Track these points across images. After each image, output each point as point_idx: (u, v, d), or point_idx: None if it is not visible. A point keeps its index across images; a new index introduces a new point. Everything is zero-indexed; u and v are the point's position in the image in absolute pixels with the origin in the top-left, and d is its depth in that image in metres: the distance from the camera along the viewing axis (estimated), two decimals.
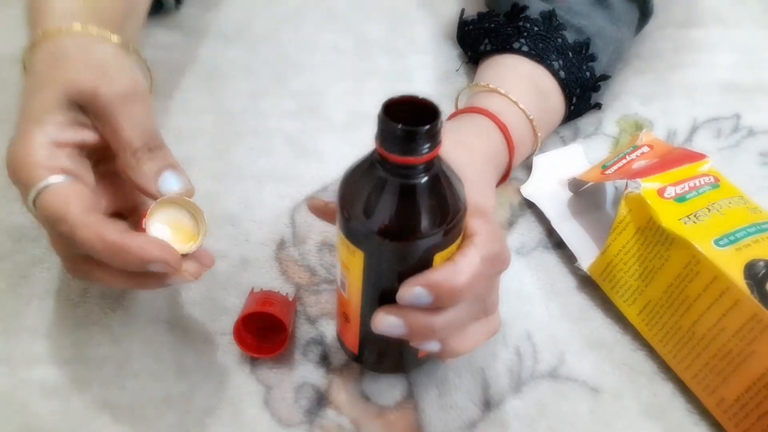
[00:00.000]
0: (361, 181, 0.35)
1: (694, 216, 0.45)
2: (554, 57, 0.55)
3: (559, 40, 0.55)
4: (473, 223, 0.37)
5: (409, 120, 0.32)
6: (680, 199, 0.46)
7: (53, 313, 0.48)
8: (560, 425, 0.44)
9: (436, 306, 0.36)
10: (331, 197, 0.40)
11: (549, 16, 0.56)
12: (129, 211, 0.44)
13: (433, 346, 0.38)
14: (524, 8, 0.57)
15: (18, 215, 0.53)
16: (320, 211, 0.41)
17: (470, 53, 0.64)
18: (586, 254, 0.50)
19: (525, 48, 0.55)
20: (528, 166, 0.57)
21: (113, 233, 0.37)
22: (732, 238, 0.43)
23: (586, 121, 0.61)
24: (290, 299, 0.47)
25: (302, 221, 0.54)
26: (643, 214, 0.46)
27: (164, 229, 0.40)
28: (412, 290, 0.35)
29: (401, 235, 0.34)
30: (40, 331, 0.47)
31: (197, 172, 0.56)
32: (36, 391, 0.44)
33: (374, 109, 0.33)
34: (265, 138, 0.60)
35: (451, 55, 0.67)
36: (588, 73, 0.56)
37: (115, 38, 0.44)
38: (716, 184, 0.47)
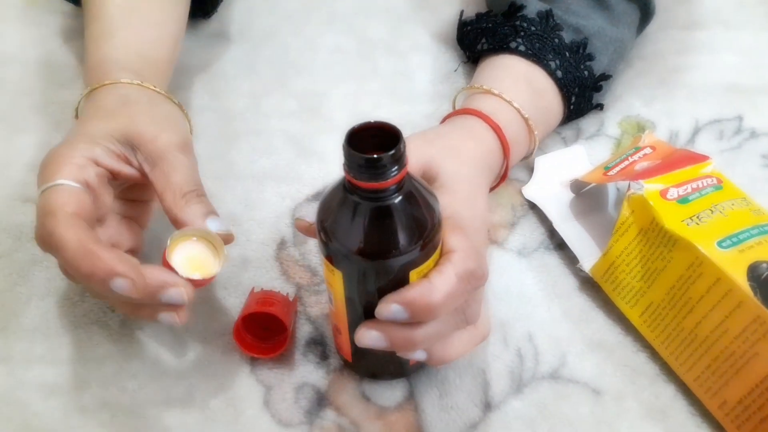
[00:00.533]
0: (335, 206, 0.36)
1: (697, 218, 0.44)
2: (551, 57, 0.55)
3: (556, 40, 0.55)
4: (451, 239, 0.38)
5: (375, 144, 0.33)
6: (683, 200, 0.46)
7: (52, 313, 0.48)
8: (561, 427, 0.43)
9: (413, 321, 0.37)
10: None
11: (546, 16, 0.56)
12: (130, 251, 0.45)
13: (419, 356, 0.39)
14: (521, 7, 0.57)
15: (18, 214, 0.53)
16: (305, 230, 0.43)
17: (468, 53, 0.64)
18: (588, 255, 0.50)
19: (522, 48, 0.55)
20: (530, 167, 0.57)
21: (91, 241, 0.37)
22: (735, 239, 0.43)
23: (588, 122, 0.61)
24: (291, 299, 0.46)
25: None
26: (646, 216, 0.45)
27: (185, 261, 0.41)
28: (389, 307, 0.36)
29: (375, 255, 0.36)
30: (39, 330, 0.47)
31: (199, 172, 0.56)
32: (35, 390, 0.44)
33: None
34: (267, 138, 0.60)
35: (451, 56, 0.67)
36: (586, 73, 0.56)
37: (175, 100, 0.50)
38: (719, 185, 0.47)
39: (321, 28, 0.70)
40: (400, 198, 0.35)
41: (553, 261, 0.52)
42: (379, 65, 0.66)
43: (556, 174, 0.56)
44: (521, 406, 0.44)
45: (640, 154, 0.52)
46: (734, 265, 0.41)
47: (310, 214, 0.42)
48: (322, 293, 0.49)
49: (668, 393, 0.45)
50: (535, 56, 0.54)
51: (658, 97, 0.63)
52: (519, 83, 0.53)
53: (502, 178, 0.51)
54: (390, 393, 0.45)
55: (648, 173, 0.48)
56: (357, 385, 0.45)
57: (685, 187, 0.46)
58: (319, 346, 0.47)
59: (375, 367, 0.45)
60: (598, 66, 0.57)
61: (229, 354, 0.46)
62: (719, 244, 0.42)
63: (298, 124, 0.61)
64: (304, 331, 0.47)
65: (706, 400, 0.43)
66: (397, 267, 0.36)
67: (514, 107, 0.51)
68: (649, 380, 0.45)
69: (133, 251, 0.45)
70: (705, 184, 0.47)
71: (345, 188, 0.35)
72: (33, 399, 0.44)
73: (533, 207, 0.55)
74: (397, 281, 0.36)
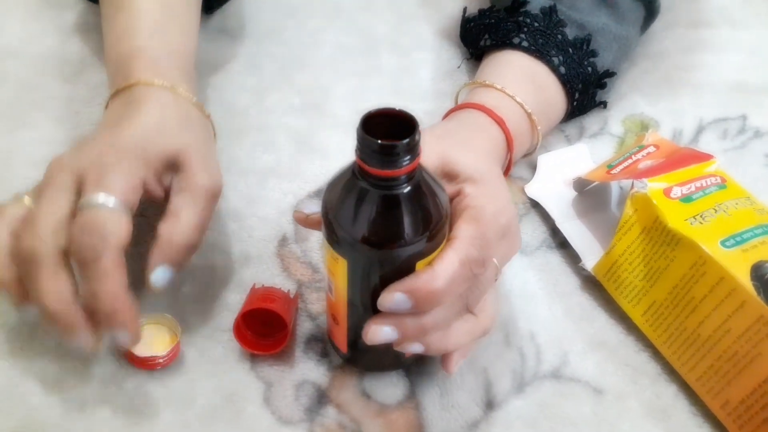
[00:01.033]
0: (343, 192, 0.36)
1: (701, 216, 0.44)
2: (554, 53, 0.54)
3: (559, 36, 0.55)
4: (460, 227, 0.38)
5: (388, 132, 0.33)
6: (686, 199, 0.45)
7: None
8: (563, 426, 0.43)
9: (416, 311, 0.37)
10: (318, 205, 0.41)
11: (549, 12, 0.56)
12: None
13: (416, 347, 0.39)
14: (524, 3, 0.57)
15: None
16: (303, 222, 0.43)
17: (472, 50, 0.64)
18: (591, 254, 0.50)
19: (525, 43, 0.55)
20: (532, 165, 0.57)
21: (125, 285, 0.39)
22: (739, 239, 0.42)
23: (592, 121, 0.61)
24: (291, 296, 0.46)
25: None
26: (649, 214, 0.45)
27: (145, 344, 0.45)
28: (392, 296, 0.36)
29: (382, 244, 0.35)
30: (39, 325, 0.47)
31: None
32: (36, 385, 0.44)
33: (378, 106, 0.33)
34: (269, 134, 0.60)
35: (454, 53, 0.66)
36: (590, 69, 0.56)
37: (206, 111, 0.50)
38: (723, 184, 0.47)
39: (324, 24, 0.70)
40: (409, 188, 0.34)
41: (555, 259, 0.52)
42: (382, 62, 0.66)
43: (558, 172, 0.56)
44: (523, 405, 0.44)
45: (644, 152, 0.52)
46: (738, 265, 0.41)
47: (314, 205, 0.42)
48: (323, 290, 0.49)
49: (670, 393, 0.45)
50: (538, 52, 0.54)
51: (662, 95, 0.63)
52: (522, 78, 0.53)
53: (505, 172, 0.51)
54: (391, 391, 0.44)
55: (651, 172, 0.48)
56: (358, 383, 0.45)
57: (688, 185, 0.46)
58: (320, 343, 0.46)
59: (371, 359, 0.44)
60: (602, 63, 0.56)
61: (229, 351, 0.46)
62: (723, 243, 0.42)
63: (301, 120, 0.61)
64: (305, 328, 0.47)
65: (708, 400, 0.43)
66: (405, 257, 0.36)
67: (517, 102, 0.51)
68: (650, 380, 0.45)
69: None
70: (709, 183, 0.47)
71: (354, 174, 0.35)
72: (33, 394, 0.44)
73: (536, 205, 0.55)
74: (403, 271, 0.36)
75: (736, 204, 0.45)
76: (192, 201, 0.43)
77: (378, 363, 0.45)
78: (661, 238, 0.44)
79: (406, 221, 0.35)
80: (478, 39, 0.61)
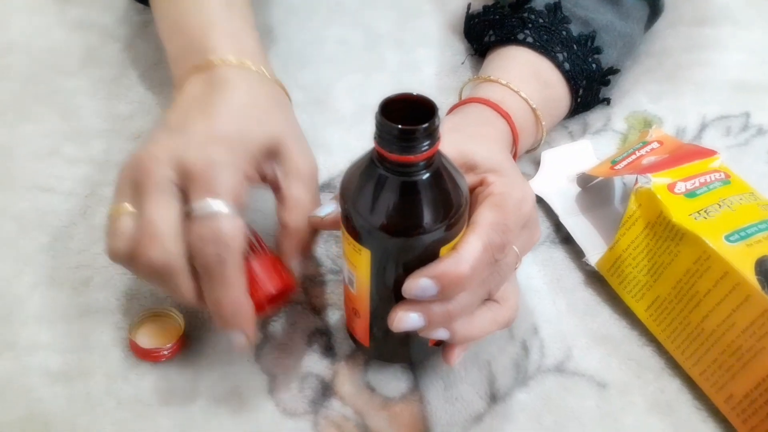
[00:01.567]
0: (362, 180, 0.35)
1: (705, 212, 0.44)
2: (558, 49, 0.54)
3: (564, 32, 0.55)
4: (482, 213, 0.38)
5: (406, 117, 0.32)
6: (690, 194, 0.46)
7: (58, 301, 0.48)
8: (566, 420, 0.43)
9: (443, 296, 0.36)
10: (330, 205, 0.42)
11: (554, 8, 0.56)
12: None
13: (442, 334, 0.38)
14: None
15: (24, 201, 0.53)
16: (320, 225, 0.42)
17: (476, 46, 0.64)
18: (594, 249, 0.50)
19: (529, 39, 0.55)
20: (536, 161, 0.57)
21: (244, 289, 0.39)
22: (743, 234, 0.42)
23: (595, 117, 0.61)
24: (260, 245, 0.43)
25: None
26: (653, 209, 0.45)
27: (149, 337, 0.46)
28: (418, 282, 0.36)
29: (405, 231, 0.35)
30: (44, 318, 0.47)
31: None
32: (40, 377, 0.44)
33: (398, 91, 0.33)
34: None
35: (458, 49, 0.66)
36: (594, 65, 0.56)
37: (285, 89, 0.49)
38: (727, 180, 0.47)
39: (327, 21, 0.70)
40: (430, 173, 0.34)
41: (559, 255, 0.52)
42: (386, 58, 0.66)
43: (562, 168, 0.56)
44: (526, 398, 0.44)
45: (648, 148, 0.52)
46: (742, 260, 0.41)
47: (327, 205, 0.42)
48: (327, 284, 0.49)
49: (674, 387, 0.45)
50: (543, 48, 0.54)
51: (665, 93, 0.63)
52: (527, 74, 0.53)
53: None
54: (395, 384, 0.44)
55: (655, 167, 0.48)
56: (362, 376, 0.45)
57: (692, 181, 0.46)
58: (324, 336, 0.46)
59: (392, 350, 0.44)
60: (606, 59, 0.57)
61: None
62: (727, 238, 0.42)
63: (304, 116, 0.61)
64: (309, 321, 0.47)
65: (711, 395, 0.43)
66: (428, 243, 0.35)
67: (522, 97, 0.51)
68: (654, 374, 0.45)
69: None
70: (713, 179, 0.47)
71: (373, 162, 0.34)
72: (37, 386, 0.44)
73: (539, 201, 0.55)
74: (427, 258, 0.36)
75: (740, 199, 0.45)
76: (305, 187, 0.43)
77: (399, 354, 0.44)
78: (665, 233, 0.45)
79: (430, 207, 0.34)
80: (482, 35, 0.61)
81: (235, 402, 0.44)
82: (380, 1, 0.72)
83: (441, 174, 0.35)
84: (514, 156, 0.51)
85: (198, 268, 0.38)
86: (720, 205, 0.45)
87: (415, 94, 0.34)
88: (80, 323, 0.47)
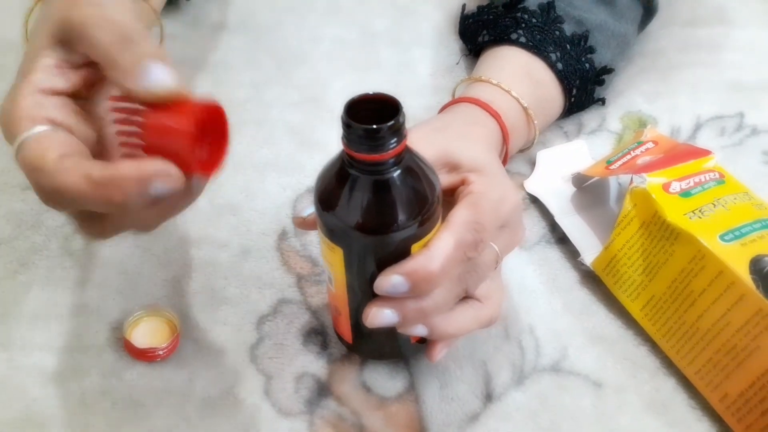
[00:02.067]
0: (333, 180, 0.36)
1: (699, 211, 0.44)
2: (551, 48, 0.55)
3: (557, 32, 0.55)
4: (457, 211, 0.38)
5: (372, 117, 0.33)
6: (685, 194, 0.46)
7: (53, 300, 0.48)
8: (562, 419, 0.43)
9: (414, 293, 0.37)
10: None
11: (547, 8, 0.56)
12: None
13: (420, 330, 0.39)
14: None
15: (18, 201, 0.53)
16: (302, 225, 0.42)
17: (470, 46, 0.64)
18: (590, 249, 0.50)
19: (522, 39, 0.55)
20: (531, 161, 0.57)
21: (99, 169, 0.32)
22: (737, 233, 0.43)
23: (590, 117, 0.61)
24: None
25: None
26: (648, 209, 0.45)
27: (144, 336, 0.45)
28: (389, 279, 0.36)
29: (376, 229, 0.35)
30: (39, 318, 0.47)
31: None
32: (35, 377, 0.44)
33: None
34: (268, 128, 0.60)
35: (453, 49, 0.67)
36: (587, 65, 0.56)
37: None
38: (721, 180, 0.47)
39: (323, 19, 0.70)
40: (399, 171, 0.34)
41: (554, 254, 0.52)
42: (381, 57, 0.66)
43: (557, 168, 0.56)
44: (522, 397, 0.44)
45: (643, 148, 0.52)
46: (736, 259, 0.41)
47: (311, 206, 0.42)
48: (323, 283, 0.49)
49: (669, 386, 0.45)
50: (536, 48, 0.54)
51: (659, 93, 0.64)
52: (518, 73, 0.53)
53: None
54: (391, 383, 0.44)
55: (650, 167, 0.48)
56: (358, 375, 0.45)
57: (687, 181, 0.47)
58: (319, 335, 0.46)
59: (376, 347, 0.44)
60: (600, 59, 0.57)
61: (229, 343, 0.46)
62: (721, 237, 0.42)
63: (299, 114, 0.61)
64: (305, 321, 0.47)
65: (706, 394, 0.43)
66: (399, 241, 0.36)
67: (513, 96, 0.51)
68: (649, 373, 0.45)
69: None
70: (707, 179, 0.47)
71: (343, 162, 0.35)
72: (32, 386, 0.44)
73: (535, 201, 0.55)
74: (398, 255, 0.36)
75: (735, 199, 0.45)
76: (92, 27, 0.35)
77: (383, 351, 0.45)
78: (660, 232, 0.45)
79: (399, 205, 0.35)
80: (476, 35, 0.61)
81: (230, 402, 0.43)
82: (376, 1, 0.72)
83: (411, 171, 0.35)
84: (506, 155, 0.51)
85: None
86: (714, 205, 0.45)
87: (378, 93, 0.34)
88: (75, 323, 0.47)
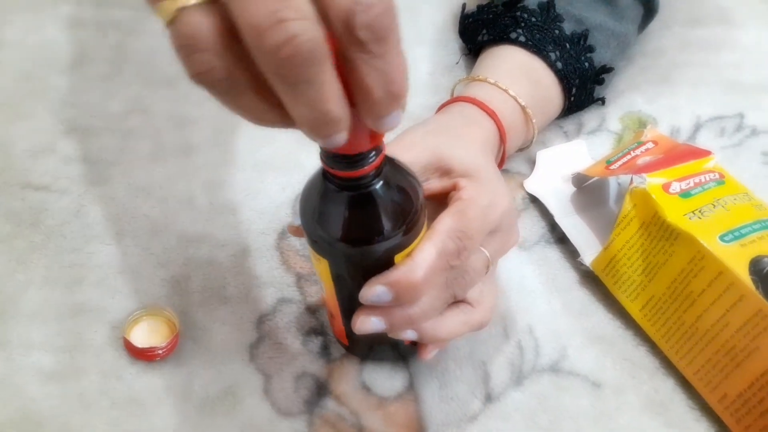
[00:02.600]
0: (315, 195, 0.36)
1: (699, 212, 0.44)
2: (551, 48, 0.55)
3: (557, 31, 0.55)
4: (442, 219, 0.38)
5: None
6: (685, 194, 0.46)
7: (51, 299, 0.48)
8: (561, 419, 0.43)
9: (399, 302, 0.37)
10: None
11: (547, 7, 0.56)
12: None
13: (410, 335, 0.39)
14: None
15: (17, 200, 0.53)
16: (296, 232, 0.42)
17: (470, 45, 0.64)
18: (589, 249, 0.50)
19: (522, 38, 0.55)
20: (531, 161, 0.57)
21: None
22: (737, 234, 0.43)
23: (590, 117, 0.61)
24: None
25: None
26: (648, 209, 0.45)
27: (144, 336, 0.45)
28: (373, 290, 0.36)
29: (358, 242, 0.36)
30: (37, 317, 0.47)
31: (199, 159, 0.56)
32: (33, 376, 0.44)
33: None
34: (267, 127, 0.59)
35: (453, 48, 0.66)
36: (587, 64, 0.56)
37: None
38: (721, 180, 0.47)
39: None
40: (380, 183, 0.34)
41: (553, 254, 0.52)
42: None
43: (557, 168, 0.56)
44: (521, 398, 0.44)
45: (643, 148, 0.52)
46: (736, 259, 0.41)
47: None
48: None
49: (668, 386, 0.45)
50: (535, 47, 0.54)
51: (659, 93, 0.63)
52: (515, 72, 0.53)
53: (499, 165, 0.51)
54: (390, 383, 0.44)
55: (650, 167, 0.48)
56: (357, 375, 0.45)
57: (687, 181, 0.47)
58: (319, 335, 0.46)
59: (371, 348, 0.45)
60: (600, 58, 0.57)
61: (228, 342, 0.46)
62: (721, 238, 0.42)
63: None
64: (304, 320, 0.47)
65: (705, 394, 0.43)
66: (381, 252, 0.36)
67: (510, 95, 0.51)
68: (648, 374, 0.45)
69: None
70: (707, 179, 0.47)
71: (324, 177, 0.35)
72: (31, 385, 0.44)
73: (534, 200, 0.55)
74: (382, 265, 0.36)
75: (735, 199, 0.45)
76: None
77: (378, 352, 0.45)
78: (660, 232, 0.45)
79: (379, 217, 0.35)
80: (476, 34, 0.61)
81: (229, 402, 0.43)
82: None
83: (390, 183, 0.35)
84: (503, 155, 0.51)
85: (349, 42, 0.26)
86: (714, 206, 0.45)
87: None
88: (74, 322, 0.47)
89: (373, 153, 0.33)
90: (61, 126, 0.58)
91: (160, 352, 0.44)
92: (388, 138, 0.34)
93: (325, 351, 0.46)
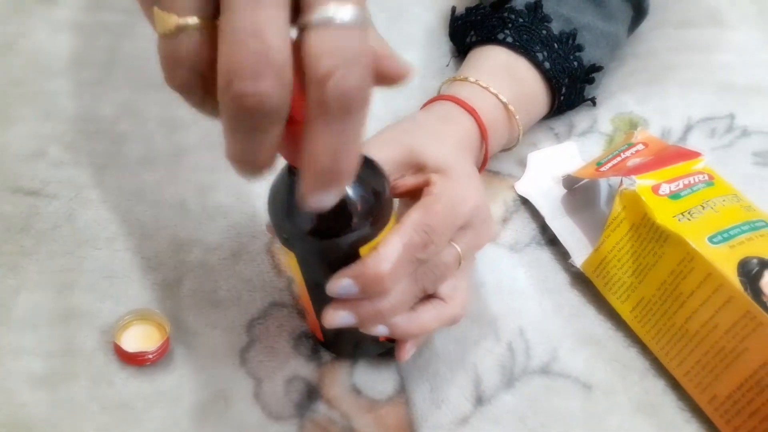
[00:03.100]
0: (282, 191, 0.36)
1: (689, 213, 0.44)
2: (538, 48, 0.55)
3: (544, 31, 0.55)
4: (409, 213, 0.38)
5: None
6: (675, 196, 0.46)
7: (42, 305, 0.48)
8: (552, 421, 0.43)
9: (366, 295, 0.37)
10: None
11: (534, 8, 0.56)
12: None
13: (382, 330, 0.39)
14: None
15: (7, 205, 0.53)
16: (272, 232, 0.43)
17: (459, 47, 0.64)
18: (580, 251, 0.50)
19: (509, 39, 0.55)
20: (522, 163, 0.57)
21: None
22: (726, 235, 0.43)
23: (581, 119, 0.61)
24: None
25: None
26: (638, 211, 0.46)
27: (134, 340, 0.45)
28: (340, 282, 0.37)
29: (323, 234, 0.36)
30: (28, 322, 0.47)
31: (190, 163, 0.56)
32: (23, 381, 0.44)
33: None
34: None
35: (444, 51, 0.67)
36: (576, 63, 0.56)
37: None
38: (711, 182, 0.47)
39: None
40: None
41: (544, 256, 0.52)
42: None
43: (548, 170, 0.56)
44: (512, 400, 0.44)
45: (633, 150, 0.52)
46: (725, 261, 0.41)
47: None
48: None
49: (658, 388, 0.45)
50: (522, 48, 0.54)
51: (650, 94, 0.64)
52: (497, 70, 0.54)
53: (483, 163, 0.51)
54: (381, 386, 0.45)
55: (640, 169, 0.48)
56: (348, 378, 0.45)
57: (676, 183, 0.47)
58: (309, 339, 0.46)
59: (346, 345, 0.45)
60: (589, 57, 0.57)
61: (219, 346, 0.46)
62: (710, 239, 0.43)
63: None
64: (295, 324, 0.47)
65: (696, 395, 0.43)
66: (347, 245, 0.36)
67: (491, 92, 0.51)
68: (639, 375, 0.46)
69: None
70: (696, 181, 0.47)
71: (290, 172, 0.35)
72: (21, 390, 0.44)
73: (525, 202, 0.55)
74: (349, 258, 0.37)
75: (724, 201, 0.46)
76: None
77: (353, 349, 0.45)
78: (650, 234, 0.45)
79: (344, 210, 0.35)
80: (465, 36, 0.61)
81: (220, 406, 0.43)
82: (368, 2, 0.72)
83: (358, 173, 0.35)
84: (486, 153, 0.50)
85: (315, 104, 0.25)
86: (704, 207, 0.45)
87: None
88: (64, 327, 0.47)
89: None
90: (52, 130, 0.58)
91: (150, 356, 0.44)
92: (365, 136, 0.34)
93: (315, 354, 0.46)
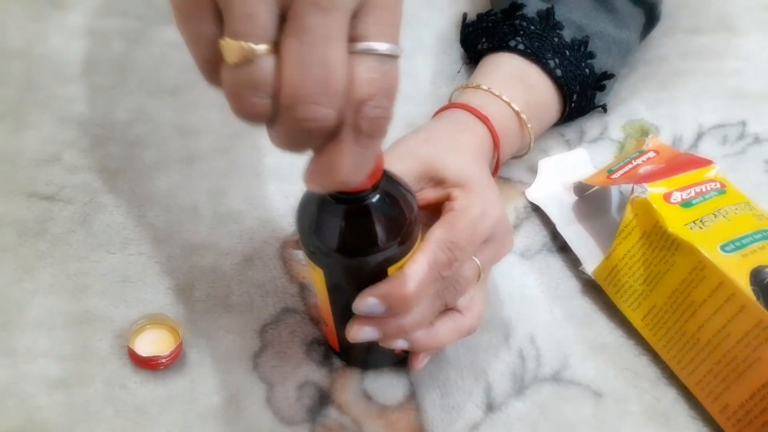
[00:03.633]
0: (313, 206, 0.37)
1: (700, 221, 0.44)
2: (550, 55, 0.55)
3: (556, 39, 0.55)
4: (433, 230, 0.39)
5: None
6: (686, 204, 0.46)
7: (57, 308, 0.48)
8: (563, 428, 0.43)
9: (391, 313, 0.38)
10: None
11: (546, 15, 0.56)
12: None
13: (401, 344, 0.40)
14: (521, 6, 0.57)
15: (23, 209, 0.53)
16: (294, 246, 0.44)
17: (471, 54, 0.64)
18: (591, 258, 0.50)
19: (521, 46, 0.55)
20: (533, 170, 0.57)
21: None
22: (738, 244, 0.43)
23: (591, 125, 0.61)
24: None
25: None
26: (649, 219, 0.46)
27: (148, 344, 0.46)
28: (366, 301, 0.37)
29: (353, 253, 0.36)
30: (43, 325, 0.47)
31: (203, 168, 0.57)
32: (39, 384, 0.44)
33: None
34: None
35: (455, 57, 0.67)
36: (587, 71, 0.56)
37: None
38: (722, 190, 0.47)
39: None
40: (377, 197, 0.35)
41: (555, 263, 0.52)
42: None
43: (559, 176, 0.56)
44: (523, 407, 0.44)
45: (644, 157, 0.52)
46: (737, 270, 0.41)
47: None
48: None
49: (670, 396, 0.45)
50: (534, 55, 0.54)
51: (662, 101, 0.64)
52: (510, 78, 0.54)
53: (494, 171, 0.51)
54: (392, 392, 0.45)
55: (652, 177, 0.48)
56: (359, 384, 0.45)
57: (688, 191, 0.47)
58: (322, 345, 0.47)
59: (362, 355, 0.45)
60: (601, 65, 0.57)
61: (231, 351, 0.46)
62: (722, 248, 0.43)
63: None
64: (307, 330, 0.47)
65: (707, 404, 0.43)
66: (375, 264, 0.37)
67: (504, 100, 0.51)
68: (650, 383, 0.45)
69: None
70: (708, 189, 0.47)
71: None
72: (36, 393, 0.44)
73: (536, 209, 0.55)
74: (376, 276, 0.37)
75: (736, 209, 0.46)
76: None
77: (370, 360, 0.45)
78: (661, 242, 0.45)
79: (374, 230, 0.36)
80: (476, 43, 0.61)
81: (233, 410, 0.44)
82: None
83: (386, 196, 0.36)
84: (498, 161, 0.51)
85: (352, 126, 0.28)
86: (715, 215, 0.45)
87: None
88: (79, 330, 0.47)
89: None
90: (67, 135, 0.59)
91: (163, 360, 0.45)
92: (381, 147, 0.34)
93: (327, 360, 0.46)
